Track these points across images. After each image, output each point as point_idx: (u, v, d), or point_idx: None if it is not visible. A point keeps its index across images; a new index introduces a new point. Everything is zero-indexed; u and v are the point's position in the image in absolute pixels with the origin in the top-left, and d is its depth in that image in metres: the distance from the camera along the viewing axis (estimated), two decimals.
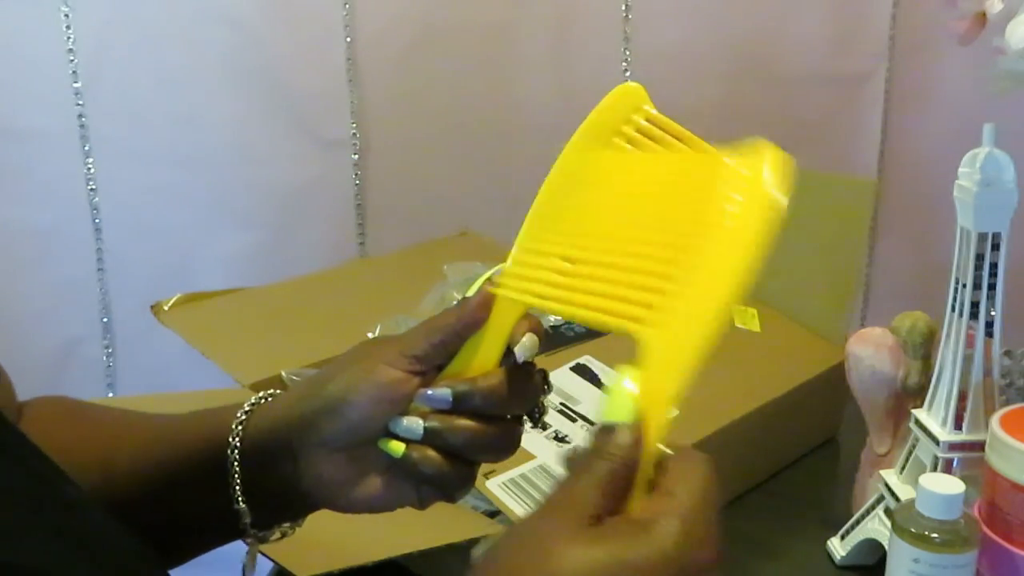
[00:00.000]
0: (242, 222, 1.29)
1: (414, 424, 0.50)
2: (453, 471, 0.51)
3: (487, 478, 0.75)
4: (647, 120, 0.51)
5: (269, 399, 0.54)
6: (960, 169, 0.67)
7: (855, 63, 1.33)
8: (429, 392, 0.50)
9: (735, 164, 0.45)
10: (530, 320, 0.51)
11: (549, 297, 0.48)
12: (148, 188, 1.24)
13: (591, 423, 0.82)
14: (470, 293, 0.51)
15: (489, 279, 0.51)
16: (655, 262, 0.45)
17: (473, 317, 0.50)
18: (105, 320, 1.28)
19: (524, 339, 0.50)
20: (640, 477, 0.42)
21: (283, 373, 0.89)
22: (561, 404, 0.85)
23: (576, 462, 0.42)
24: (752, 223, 0.44)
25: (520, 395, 0.51)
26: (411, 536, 0.69)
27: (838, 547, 0.81)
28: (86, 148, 1.21)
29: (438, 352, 0.51)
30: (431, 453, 0.50)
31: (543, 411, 0.53)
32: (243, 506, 0.52)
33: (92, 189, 1.23)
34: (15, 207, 1.21)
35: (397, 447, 0.50)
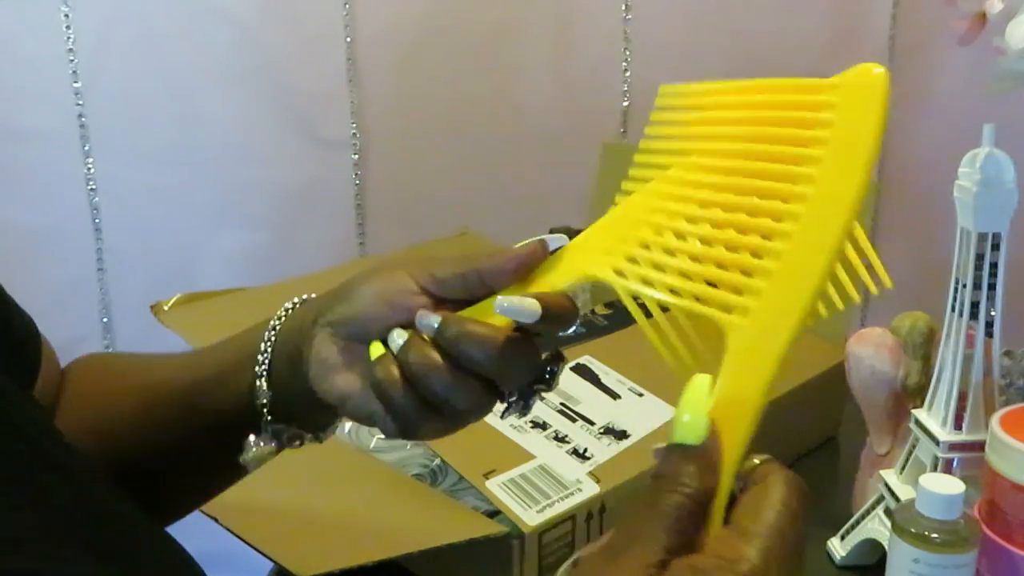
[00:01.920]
0: (242, 222, 1.29)
1: (396, 335, 0.48)
2: (412, 408, 0.48)
3: (487, 478, 0.75)
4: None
5: (301, 303, 0.56)
6: (960, 169, 0.67)
7: (855, 63, 1.33)
8: (507, 303, 0.46)
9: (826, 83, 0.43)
10: (563, 298, 0.48)
11: (627, 274, 0.45)
12: (148, 188, 1.24)
13: (591, 423, 0.82)
14: (520, 247, 0.48)
15: (543, 240, 0.48)
16: (751, 234, 0.41)
17: (503, 268, 0.48)
18: (105, 320, 1.28)
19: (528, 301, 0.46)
20: (717, 506, 0.37)
21: None
22: (561, 404, 0.85)
23: (644, 495, 0.38)
24: (849, 146, 0.40)
25: (518, 365, 0.48)
26: (411, 536, 0.69)
27: (838, 547, 0.81)
28: (86, 148, 1.21)
29: (459, 285, 0.49)
30: (394, 374, 0.48)
31: (534, 394, 0.51)
32: (264, 385, 0.54)
33: (92, 189, 1.23)
34: (15, 207, 1.21)
35: (375, 349, 0.49)
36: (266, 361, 0.54)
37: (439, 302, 0.49)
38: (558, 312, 0.47)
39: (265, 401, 0.54)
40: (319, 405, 0.52)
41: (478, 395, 0.48)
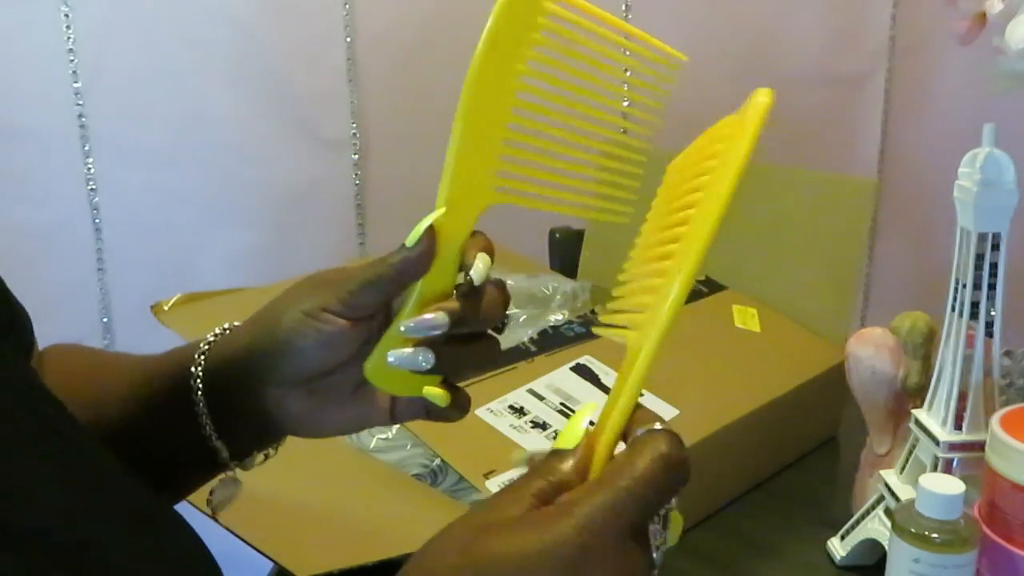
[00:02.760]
0: (242, 222, 1.29)
1: (422, 356, 0.49)
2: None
3: (487, 478, 0.75)
4: (553, 17, 0.48)
5: (225, 332, 0.54)
6: (960, 169, 0.67)
7: (855, 63, 1.33)
8: (412, 324, 0.49)
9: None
10: (480, 239, 0.50)
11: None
12: (148, 188, 1.24)
13: (591, 423, 0.82)
14: (410, 242, 0.50)
15: (431, 227, 0.51)
16: (656, 259, 0.45)
17: (414, 269, 0.50)
18: (105, 320, 1.28)
19: (477, 262, 0.49)
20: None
21: None
22: (561, 404, 0.85)
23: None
24: (729, 165, 0.43)
25: (483, 312, 0.50)
26: (411, 536, 0.69)
27: (838, 547, 0.81)
28: (86, 148, 1.21)
29: (378, 302, 0.50)
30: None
31: (506, 322, 0.53)
32: (217, 443, 0.53)
33: (92, 189, 1.23)
34: (15, 207, 1.21)
35: (444, 396, 0.51)
36: (206, 421, 0.53)
37: (355, 321, 0.51)
38: (468, 312, 0.49)
39: (225, 455, 0.54)
40: (274, 427, 0.54)
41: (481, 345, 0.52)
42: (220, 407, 0.53)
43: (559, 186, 0.49)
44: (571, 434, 0.42)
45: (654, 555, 0.40)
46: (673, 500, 0.41)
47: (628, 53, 0.48)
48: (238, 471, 0.56)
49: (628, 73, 0.49)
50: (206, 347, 0.54)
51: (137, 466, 0.53)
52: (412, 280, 0.50)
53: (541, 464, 0.41)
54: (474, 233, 0.50)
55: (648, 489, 0.39)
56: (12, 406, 0.45)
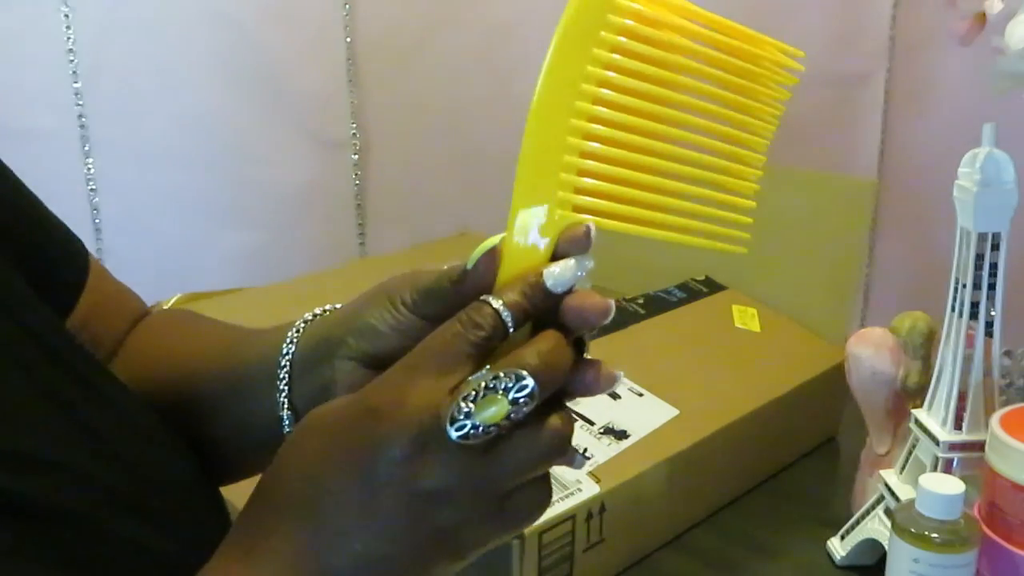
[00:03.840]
0: (242, 222, 1.29)
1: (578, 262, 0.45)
2: None
3: None
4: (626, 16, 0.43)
5: (324, 313, 0.55)
6: (960, 169, 0.67)
7: (855, 63, 1.33)
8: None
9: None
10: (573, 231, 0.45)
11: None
12: (148, 188, 1.24)
13: (591, 423, 0.82)
14: (470, 263, 0.47)
15: (492, 249, 0.46)
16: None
17: (470, 289, 0.46)
18: None
19: (555, 267, 0.44)
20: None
21: None
22: None
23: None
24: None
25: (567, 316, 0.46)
26: None
27: (838, 547, 0.81)
28: (86, 148, 1.21)
29: (439, 312, 0.47)
30: None
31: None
32: (286, 413, 0.53)
33: (92, 189, 1.23)
34: None
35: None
36: (285, 386, 0.53)
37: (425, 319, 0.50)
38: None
39: (290, 426, 0.54)
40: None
41: None
42: (298, 376, 0.53)
43: (658, 206, 0.44)
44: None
45: (456, 414, 0.40)
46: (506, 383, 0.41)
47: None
48: None
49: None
50: (303, 323, 0.55)
51: (208, 441, 0.56)
52: (471, 299, 0.46)
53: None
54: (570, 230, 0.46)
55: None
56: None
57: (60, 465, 0.44)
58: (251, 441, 0.56)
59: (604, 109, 0.43)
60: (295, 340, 0.54)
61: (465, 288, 0.46)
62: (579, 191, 0.44)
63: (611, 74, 0.43)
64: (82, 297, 0.60)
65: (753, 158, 0.46)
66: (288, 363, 0.53)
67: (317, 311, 0.55)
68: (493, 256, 0.46)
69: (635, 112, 0.43)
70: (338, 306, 0.55)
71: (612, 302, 0.45)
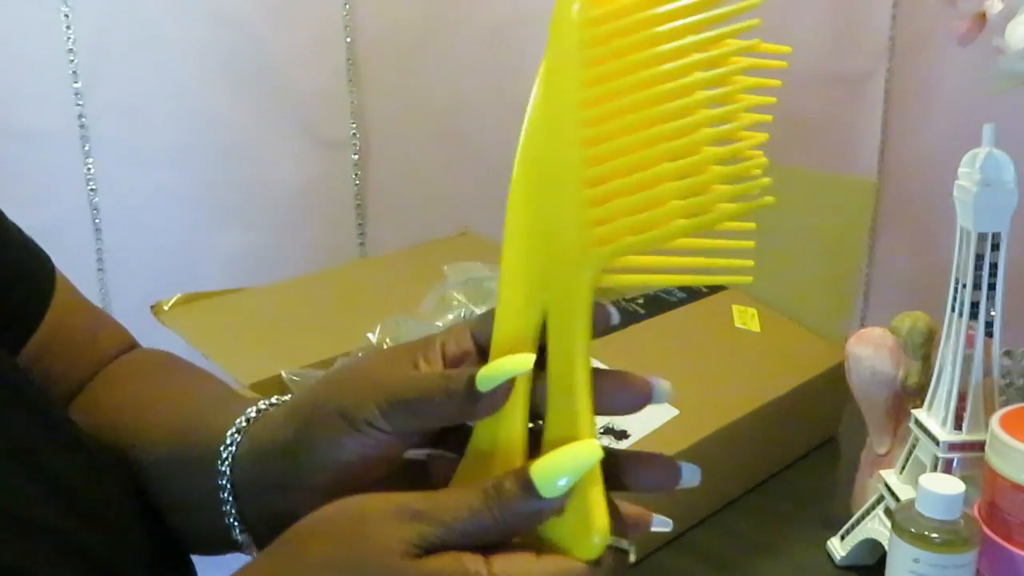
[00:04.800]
0: (242, 222, 1.29)
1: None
2: None
3: None
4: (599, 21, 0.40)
5: (264, 411, 0.47)
6: (960, 169, 0.67)
7: (855, 63, 1.33)
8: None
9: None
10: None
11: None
12: (148, 188, 1.24)
13: None
14: (482, 385, 0.39)
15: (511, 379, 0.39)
16: None
17: (473, 414, 0.40)
18: None
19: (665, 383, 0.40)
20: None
21: (283, 373, 0.89)
22: None
23: (479, 490, 0.37)
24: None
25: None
26: None
27: (838, 547, 0.81)
28: (86, 148, 1.21)
29: (424, 429, 0.42)
30: None
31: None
32: (241, 536, 0.47)
33: (92, 189, 1.23)
34: (15, 207, 1.20)
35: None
36: (232, 513, 0.46)
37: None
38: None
39: (252, 548, 0.47)
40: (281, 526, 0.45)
41: None
42: (246, 497, 0.46)
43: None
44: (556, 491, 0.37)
45: None
46: None
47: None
48: None
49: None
50: (238, 432, 0.46)
51: (168, 517, 0.50)
52: (474, 421, 0.40)
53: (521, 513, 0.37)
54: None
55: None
56: None
57: (37, 526, 0.41)
58: (192, 525, 0.50)
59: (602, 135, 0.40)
60: (232, 454, 0.46)
61: (476, 412, 0.39)
62: (603, 241, 0.40)
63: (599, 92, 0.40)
64: (42, 326, 0.54)
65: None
66: (229, 482, 0.46)
67: (252, 412, 0.47)
68: (508, 387, 0.39)
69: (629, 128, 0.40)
70: (276, 401, 0.47)
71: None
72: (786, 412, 0.93)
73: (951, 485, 0.63)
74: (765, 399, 0.90)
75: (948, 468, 0.69)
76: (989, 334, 0.68)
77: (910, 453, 0.74)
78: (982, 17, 0.73)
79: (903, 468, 0.74)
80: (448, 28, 1.31)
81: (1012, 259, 0.67)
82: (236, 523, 0.46)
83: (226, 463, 0.45)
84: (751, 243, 0.43)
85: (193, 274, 1.27)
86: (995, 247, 0.66)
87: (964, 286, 0.68)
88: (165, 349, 0.63)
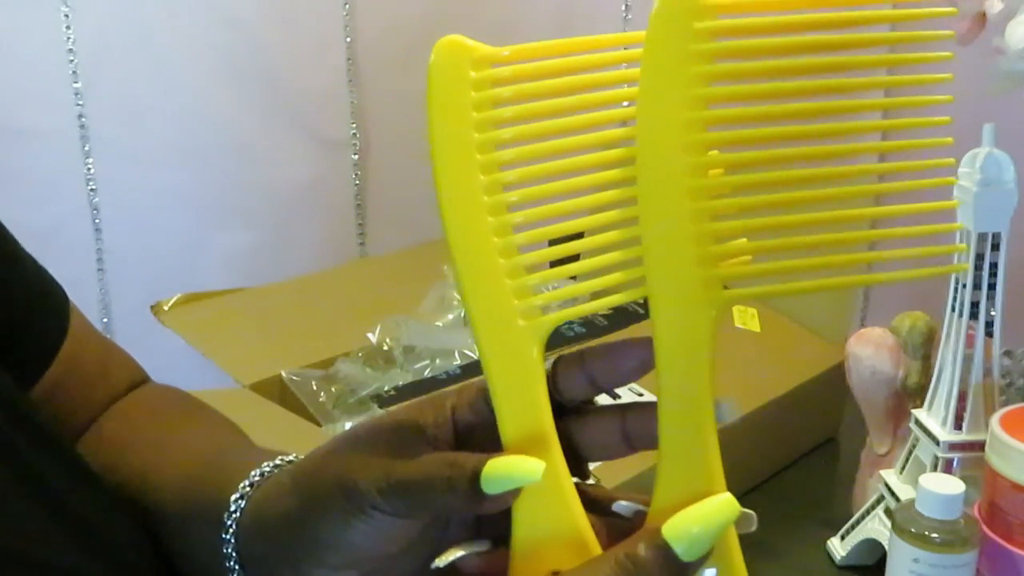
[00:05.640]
0: (242, 222, 1.29)
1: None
2: None
3: None
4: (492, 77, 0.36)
5: (269, 475, 0.44)
6: (960, 169, 0.67)
7: (855, 63, 1.33)
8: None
9: None
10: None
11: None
12: (148, 188, 1.24)
13: None
14: (488, 487, 0.35)
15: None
16: None
17: (473, 512, 0.38)
18: (105, 320, 1.28)
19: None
20: None
21: (283, 373, 0.89)
22: None
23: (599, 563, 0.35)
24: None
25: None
26: None
27: (838, 547, 0.81)
28: (86, 148, 1.21)
29: (423, 515, 0.39)
30: None
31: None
32: None
33: (92, 189, 1.23)
34: (15, 207, 1.20)
35: None
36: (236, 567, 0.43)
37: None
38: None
39: None
40: None
41: None
42: (257, 570, 0.43)
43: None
44: (700, 547, 0.36)
45: None
46: None
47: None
48: None
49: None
50: (241, 498, 0.43)
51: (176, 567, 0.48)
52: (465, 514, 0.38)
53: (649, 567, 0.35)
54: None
55: None
56: None
57: (52, 565, 0.40)
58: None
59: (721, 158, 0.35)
60: (236, 521, 0.43)
61: (482, 510, 0.36)
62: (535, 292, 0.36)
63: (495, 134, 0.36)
64: (56, 360, 0.52)
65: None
66: (235, 551, 0.43)
67: (256, 476, 0.44)
68: (512, 496, 0.36)
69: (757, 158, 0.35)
70: (281, 462, 0.45)
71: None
72: (786, 412, 0.93)
73: (951, 485, 0.63)
74: (765, 399, 0.90)
75: (948, 468, 0.69)
76: (989, 334, 0.68)
77: (910, 453, 0.74)
78: (982, 17, 0.73)
79: (903, 468, 0.74)
80: (448, 28, 1.31)
81: (1012, 259, 0.67)
82: None
83: (230, 531, 0.43)
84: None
85: (193, 274, 1.27)
86: (995, 247, 0.66)
87: (964, 286, 0.68)
88: (160, 350, 0.62)
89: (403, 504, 0.37)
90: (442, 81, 0.36)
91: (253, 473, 0.44)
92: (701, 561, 0.35)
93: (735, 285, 0.36)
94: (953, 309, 0.69)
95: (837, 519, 0.82)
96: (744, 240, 0.35)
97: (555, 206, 0.36)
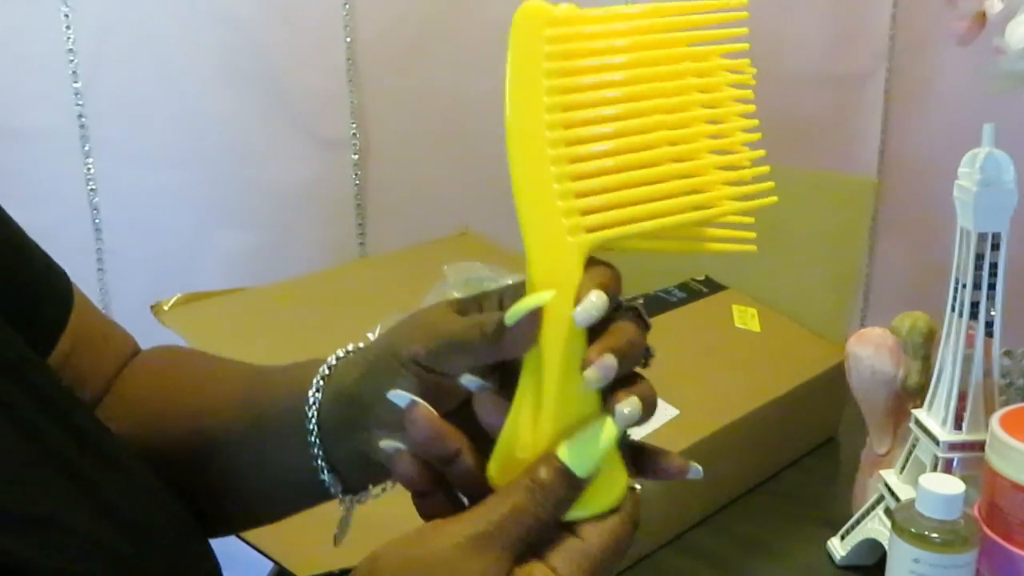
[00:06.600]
0: (242, 222, 1.29)
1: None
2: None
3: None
4: (559, 41, 0.42)
5: (346, 355, 0.50)
6: (960, 169, 0.67)
7: (855, 63, 1.33)
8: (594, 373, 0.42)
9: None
10: (595, 274, 0.42)
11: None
12: (148, 188, 1.24)
13: None
14: (509, 320, 0.42)
15: (537, 309, 0.42)
16: None
17: (508, 349, 0.43)
18: None
19: (586, 301, 0.41)
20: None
21: None
22: None
23: (511, 491, 0.41)
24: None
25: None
26: None
27: (838, 547, 0.81)
28: (86, 148, 1.21)
29: (466, 367, 0.44)
30: None
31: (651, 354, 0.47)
32: (328, 476, 0.50)
33: (92, 189, 1.23)
34: (15, 207, 1.19)
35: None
36: (319, 452, 0.50)
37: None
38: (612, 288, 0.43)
39: (338, 488, 0.51)
40: (368, 466, 0.50)
41: None
42: (332, 441, 0.49)
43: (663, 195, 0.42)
44: (590, 463, 0.41)
45: None
46: None
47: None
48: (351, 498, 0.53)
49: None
50: (322, 379, 0.50)
51: (243, 483, 0.53)
52: (505, 357, 0.43)
53: (552, 485, 0.41)
54: (593, 265, 0.42)
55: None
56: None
57: (66, 527, 0.42)
58: (281, 490, 0.53)
59: (576, 122, 0.42)
60: (319, 400, 0.49)
61: (504, 347, 0.42)
62: (586, 212, 0.42)
63: (569, 84, 0.42)
64: (65, 332, 0.56)
65: (737, 136, 0.44)
66: (315, 425, 0.49)
67: (332, 360, 0.51)
68: (536, 318, 0.41)
69: (608, 118, 0.42)
70: (351, 349, 0.51)
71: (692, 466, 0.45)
72: (786, 412, 0.93)
73: (951, 485, 0.63)
74: (765, 399, 0.90)
75: (948, 468, 0.69)
76: (989, 334, 0.68)
77: (910, 453, 0.74)
78: (982, 17, 0.73)
79: (903, 468, 0.74)
80: (448, 27, 1.31)
81: (1012, 259, 0.67)
82: (323, 464, 0.49)
83: (313, 408, 0.49)
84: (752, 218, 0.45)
85: (193, 274, 1.27)
86: (995, 247, 0.66)
87: (964, 286, 0.68)
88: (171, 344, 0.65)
89: (444, 355, 0.44)
90: (521, 32, 0.42)
91: (330, 358, 0.51)
92: (592, 476, 0.41)
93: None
94: (953, 309, 0.69)
95: (837, 519, 0.82)
96: (600, 196, 0.42)
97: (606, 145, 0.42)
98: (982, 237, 0.66)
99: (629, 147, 0.42)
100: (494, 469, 0.43)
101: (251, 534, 0.69)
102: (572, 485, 0.41)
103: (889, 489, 0.74)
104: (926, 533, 0.63)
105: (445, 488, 0.45)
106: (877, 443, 0.81)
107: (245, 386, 0.56)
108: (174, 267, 1.27)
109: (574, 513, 0.42)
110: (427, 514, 0.45)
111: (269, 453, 0.52)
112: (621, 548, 0.41)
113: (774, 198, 0.44)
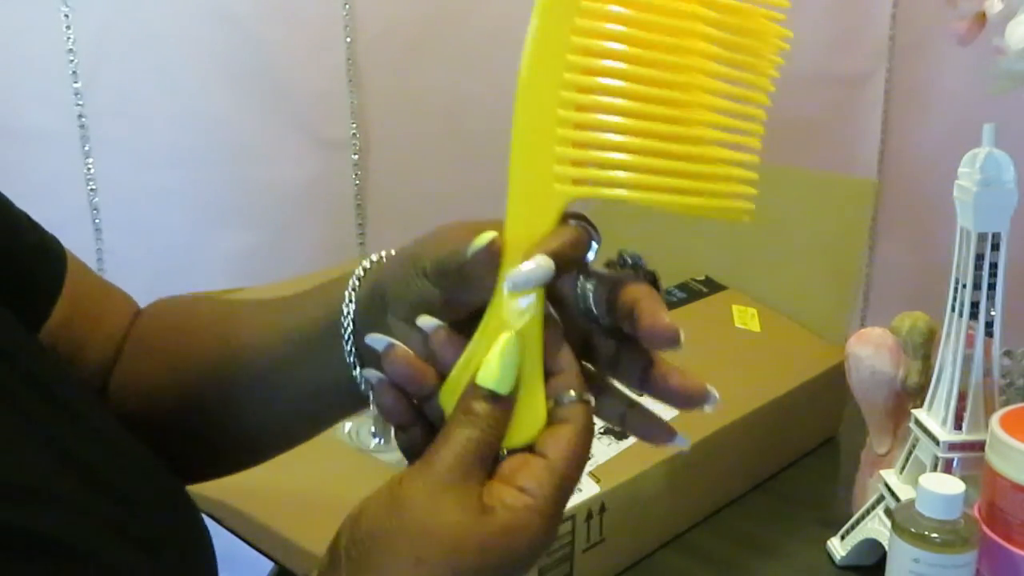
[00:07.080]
0: (242, 222, 1.29)
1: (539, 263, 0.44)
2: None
3: None
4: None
5: (372, 266, 0.52)
6: (960, 169, 0.67)
7: (855, 63, 1.33)
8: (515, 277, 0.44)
9: None
10: (559, 233, 0.44)
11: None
12: (148, 188, 1.24)
13: None
14: (470, 251, 0.45)
15: (491, 241, 0.45)
16: None
17: (472, 272, 0.45)
18: None
19: (525, 265, 0.43)
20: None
21: None
22: None
23: (447, 431, 0.43)
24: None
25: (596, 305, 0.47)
26: None
27: (838, 547, 0.81)
28: (86, 148, 1.21)
29: (452, 287, 0.47)
30: None
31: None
32: (359, 372, 0.51)
33: (92, 189, 1.23)
34: None
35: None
36: (352, 350, 0.52)
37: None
38: (569, 254, 0.45)
39: (366, 389, 0.52)
40: None
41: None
42: (359, 334, 0.51)
43: (653, 170, 0.42)
44: (506, 379, 0.43)
45: None
46: None
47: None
48: None
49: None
50: (357, 279, 0.52)
51: (276, 402, 0.56)
52: (474, 282, 0.46)
53: (480, 411, 0.43)
54: (564, 225, 0.44)
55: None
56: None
57: (53, 495, 0.43)
58: (311, 401, 0.55)
59: (592, 78, 0.42)
60: (354, 299, 0.52)
61: (468, 278, 0.45)
62: (577, 163, 0.43)
63: (596, 42, 0.42)
64: (61, 299, 0.57)
65: (754, 113, 0.45)
66: (351, 322, 0.52)
67: (366, 264, 0.53)
68: (491, 253, 0.45)
69: (624, 76, 0.42)
70: (383, 255, 0.53)
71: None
72: (786, 412, 0.93)
73: (951, 485, 0.63)
74: (765, 399, 0.90)
75: (948, 468, 0.69)
76: (989, 334, 0.68)
77: (910, 453, 0.74)
78: (982, 17, 0.73)
79: (903, 468, 0.74)
80: (448, 28, 1.31)
81: (1012, 259, 0.67)
82: (355, 360, 0.51)
83: (350, 306, 0.51)
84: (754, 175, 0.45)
85: (193, 274, 1.27)
86: (995, 247, 0.66)
87: (964, 286, 0.68)
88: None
89: (437, 272, 0.47)
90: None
91: (365, 261, 0.53)
92: (515, 390, 0.43)
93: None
94: (953, 309, 0.69)
95: (837, 519, 0.82)
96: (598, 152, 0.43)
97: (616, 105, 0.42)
98: (982, 237, 0.66)
99: (639, 113, 0.42)
100: (443, 399, 0.45)
101: (252, 534, 0.69)
102: (498, 402, 0.43)
103: (889, 489, 0.74)
104: (926, 533, 0.63)
105: (424, 423, 0.46)
106: (877, 443, 0.81)
107: (269, 315, 0.58)
108: (174, 267, 1.27)
109: (514, 439, 0.43)
110: (405, 448, 0.47)
111: (304, 367, 0.54)
112: (580, 457, 0.43)
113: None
